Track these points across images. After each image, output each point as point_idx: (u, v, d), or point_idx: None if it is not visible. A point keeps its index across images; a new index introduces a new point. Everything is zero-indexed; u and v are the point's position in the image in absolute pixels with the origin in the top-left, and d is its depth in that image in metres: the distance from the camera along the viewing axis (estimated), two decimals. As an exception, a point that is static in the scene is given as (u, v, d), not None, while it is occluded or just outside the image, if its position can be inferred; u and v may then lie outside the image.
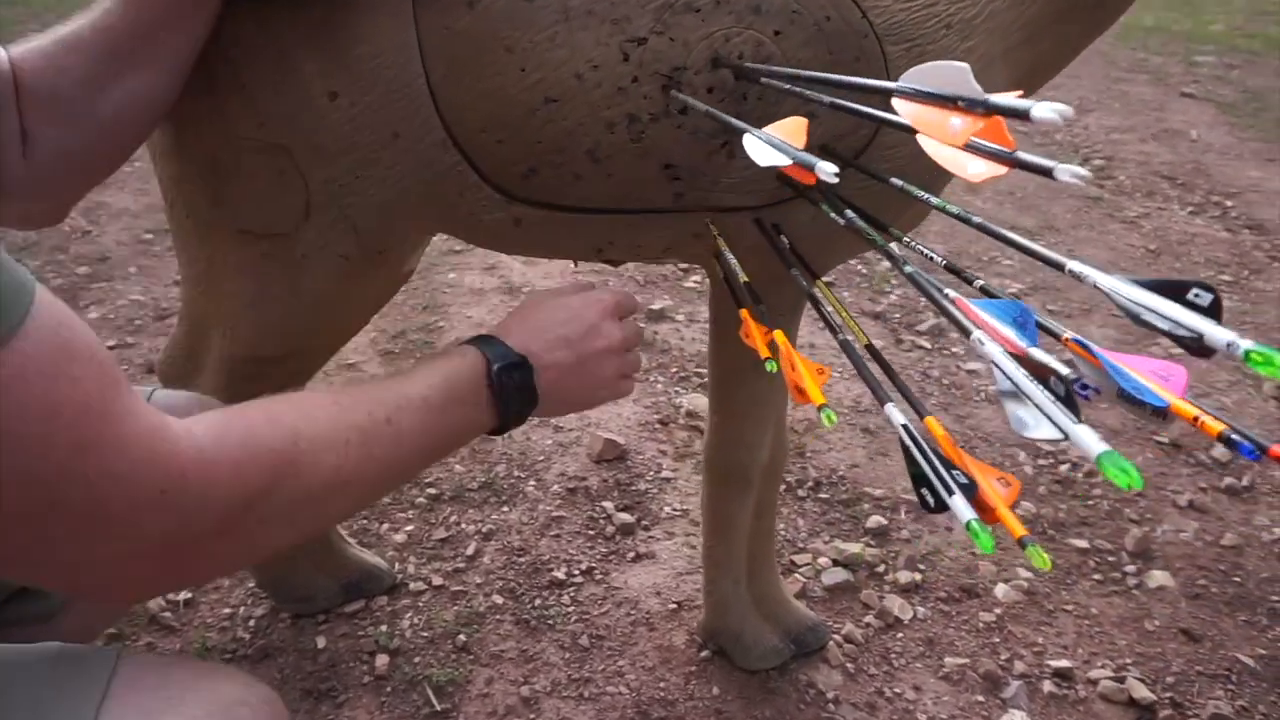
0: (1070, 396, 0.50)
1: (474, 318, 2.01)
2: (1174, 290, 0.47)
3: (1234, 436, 0.44)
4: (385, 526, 1.40)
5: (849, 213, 0.74)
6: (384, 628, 1.21)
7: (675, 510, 1.46)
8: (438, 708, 1.10)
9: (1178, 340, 0.46)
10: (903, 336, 2.11)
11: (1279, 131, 4.30)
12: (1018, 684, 1.19)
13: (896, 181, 0.74)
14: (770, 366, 0.70)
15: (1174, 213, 3.19)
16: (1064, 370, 0.49)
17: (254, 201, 0.85)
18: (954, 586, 1.36)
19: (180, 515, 0.48)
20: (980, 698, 1.17)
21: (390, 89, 0.81)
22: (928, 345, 2.07)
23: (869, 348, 0.76)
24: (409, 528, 1.39)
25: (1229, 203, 3.29)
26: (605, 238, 0.92)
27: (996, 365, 0.52)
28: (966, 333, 0.56)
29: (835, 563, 1.37)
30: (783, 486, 1.55)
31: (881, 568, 1.38)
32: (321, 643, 1.18)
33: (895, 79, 0.81)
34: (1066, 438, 0.48)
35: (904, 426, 0.59)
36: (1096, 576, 1.41)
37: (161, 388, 0.83)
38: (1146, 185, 3.47)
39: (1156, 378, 0.48)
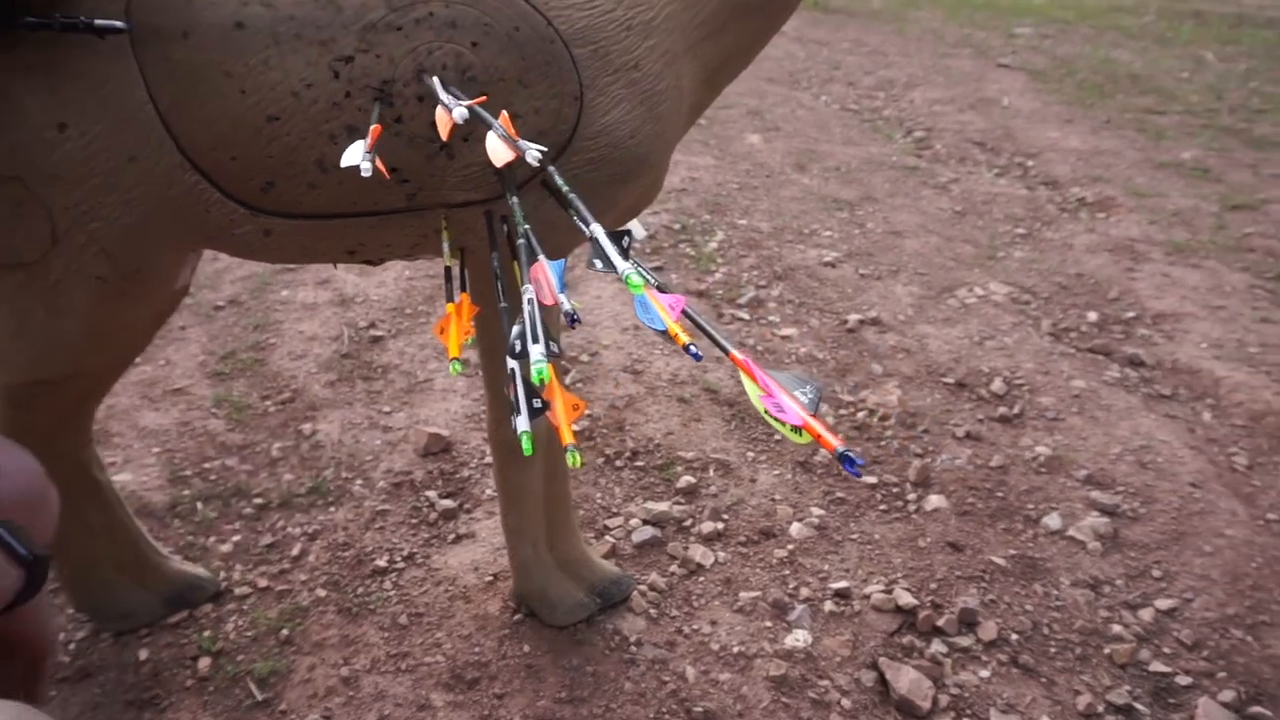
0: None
1: (306, 332, 2.05)
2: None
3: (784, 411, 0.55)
4: (212, 539, 1.43)
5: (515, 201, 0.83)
6: (207, 633, 1.25)
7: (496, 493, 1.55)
8: (259, 698, 1.16)
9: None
10: (724, 310, 2.25)
11: (1080, 94, 4.69)
12: (802, 607, 1.33)
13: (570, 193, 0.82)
14: (454, 369, 0.78)
15: (981, 175, 3.47)
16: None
17: (-2, 234, 0.89)
18: (753, 530, 1.50)
19: None
20: (769, 623, 1.31)
21: (119, 117, 0.87)
22: (746, 317, 2.22)
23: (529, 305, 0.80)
24: (236, 538, 1.43)
25: (1030, 162, 3.59)
26: (354, 239, 1.00)
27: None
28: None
29: (645, 522, 1.49)
30: (601, 459, 1.66)
31: (689, 521, 1.51)
32: (144, 654, 1.22)
33: (583, 78, 0.92)
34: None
35: (512, 371, 0.67)
36: (882, 507, 1.57)
37: None
38: (960, 152, 3.75)
39: (668, 306, 0.59)
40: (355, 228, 0.98)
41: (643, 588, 1.35)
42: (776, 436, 1.75)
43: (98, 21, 0.82)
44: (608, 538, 1.45)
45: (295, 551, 1.40)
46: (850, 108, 4.47)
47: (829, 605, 1.34)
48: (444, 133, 0.74)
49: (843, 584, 1.37)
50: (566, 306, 0.61)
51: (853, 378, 1.97)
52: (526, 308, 0.63)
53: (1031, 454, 1.70)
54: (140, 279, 0.97)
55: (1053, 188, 3.31)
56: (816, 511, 1.54)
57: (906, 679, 1.19)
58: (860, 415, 1.82)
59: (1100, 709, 1.18)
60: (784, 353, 2.06)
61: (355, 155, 0.71)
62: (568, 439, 0.60)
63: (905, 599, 1.33)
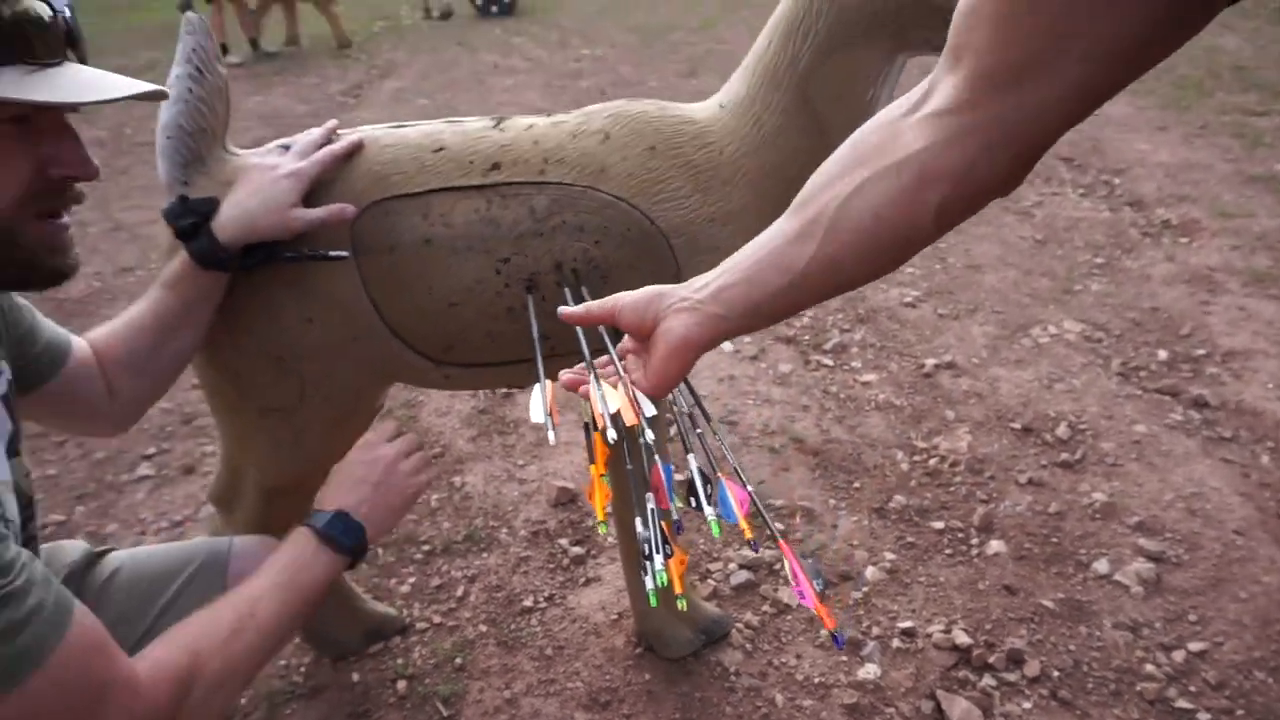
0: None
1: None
2: None
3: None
4: (393, 581, 1.80)
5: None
6: (400, 660, 1.61)
7: (617, 540, 1.86)
8: (445, 714, 1.51)
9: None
10: (810, 357, 2.50)
11: (1177, 94, 4.64)
12: (873, 644, 1.59)
13: None
14: (601, 529, 1.02)
15: (1066, 197, 3.57)
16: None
17: (264, 392, 1.25)
18: (834, 573, 1.76)
19: None
20: (844, 658, 1.58)
21: (347, 310, 1.21)
22: (830, 363, 2.46)
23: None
24: (411, 580, 1.80)
25: (1116, 180, 3.65)
26: (507, 379, 1.32)
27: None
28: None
29: (741, 566, 1.77)
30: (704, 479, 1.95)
31: (779, 565, 1.78)
32: (356, 677, 1.59)
33: (679, 260, 1.21)
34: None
35: (646, 541, 0.95)
36: (948, 551, 1.81)
37: (236, 536, 1.21)
38: (1046, 170, 3.84)
39: (738, 500, 0.87)
40: (512, 371, 1.30)
41: (740, 625, 1.64)
42: (856, 484, 2.00)
43: (331, 253, 1.16)
44: (710, 580, 1.75)
45: (459, 592, 1.75)
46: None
47: (896, 643, 1.60)
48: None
49: (909, 624, 1.62)
50: (675, 515, 0.89)
51: (927, 424, 2.19)
52: (650, 519, 0.91)
53: (1088, 500, 1.90)
54: (358, 411, 1.32)
55: (1137, 209, 3.39)
56: (889, 556, 1.79)
57: (959, 708, 1.44)
58: (932, 462, 2.05)
59: (1127, 739, 1.40)
60: (864, 399, 2.30)
61: (538, 414, 1.00)
62: (679, 589, 0.87)
63: (962, 639, 1.57)
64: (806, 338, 2.59)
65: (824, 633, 1.61)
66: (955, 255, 3.08)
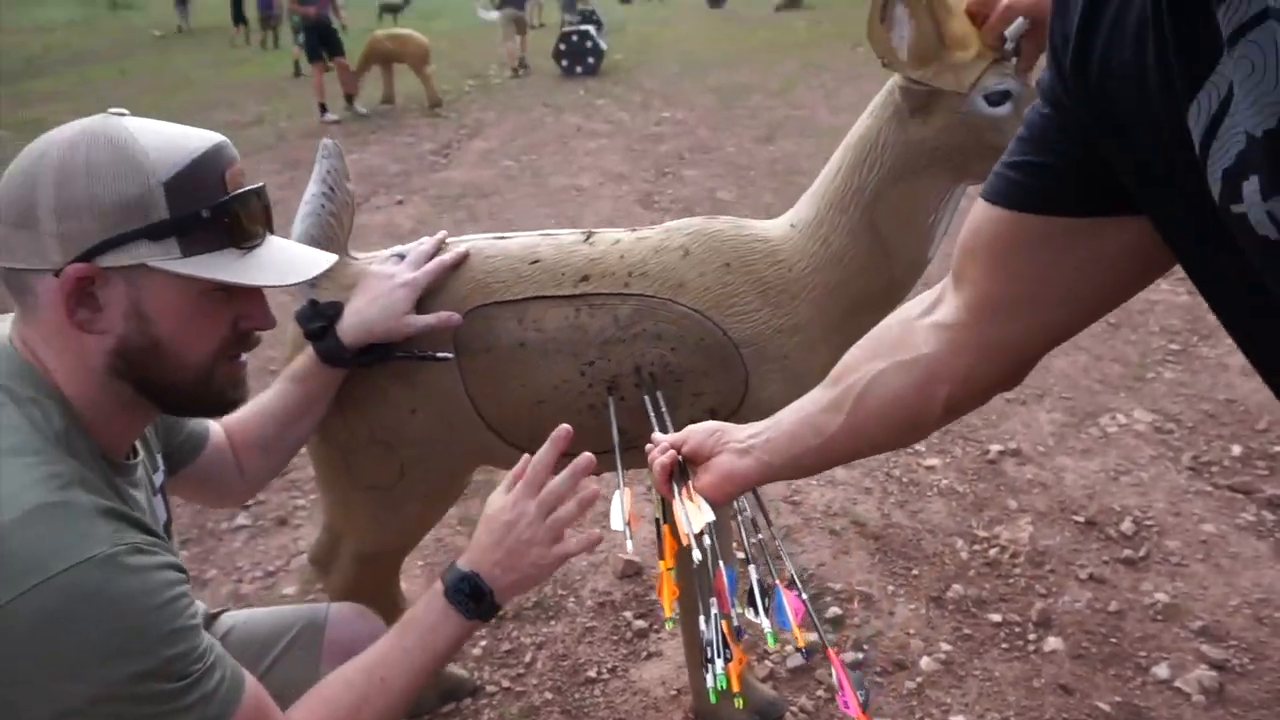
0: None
1: (525, 456, 2.54)
2: None
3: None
4: (466, 643, 1.91)
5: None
6: (470, 721, 1.72)
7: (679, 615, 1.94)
8: (510, 778, 1.60)
9: None
10: (874, 438, 2.55)
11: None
12: (926, 737, 1.63)
13: None
14: (669, 625, 1.12)
15: (1142, 279, 3.55)
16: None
17: (369, 471, 1.38)
18: (889, 661, 1.80)
19: None
20: (896, 749, 1.62)
21: (446, 401, 1.33)
22: (894, 445, 2.51)
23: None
24: (483, 643, 1.90)
25: (1195, 263, 3.62)
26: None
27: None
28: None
29: (797, 649, 1.83)
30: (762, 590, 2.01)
31: (835, 650, 1.83)
32: (431, 735, 1.69)
33: (748, 368, 1.31)
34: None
35: (709, 644, 1.04)
36: (1004, 645, 1.83)
37: (331, 604, 1.34)
38: (1122, 250, 3.83)
39: (792, 610, 0.95)
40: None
41: (794, 709, 1.69)
42: (915, 571, 2.04)
43: (438, 355, 1.29)
44: (767, 662, 1.81)
45: (527, 659, 1.85)
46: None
47: (949, 736, 1.63)
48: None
49: (961, 718, 1.65)
50: (735, 622, 0.97)
51: (988, 512, 2.22)
52: (713, 624, 1.00)
53: (1150, 600, 1.90)
54: (449, 489, 1.45)
55: (1216, 294, 3.35)
56: (945, 647, 1.82)
57: (1010, 809, 1.47)
58: (992, 552, 2.08)
59: None
60: (926, 484, 2.34)
61: (618, 522, 1.10)
62: (736, 689, 0.95)
63: (1015, 738, 1.60)
64: (871, 417, 2.64)
65: (878, 721, 1.66)
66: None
